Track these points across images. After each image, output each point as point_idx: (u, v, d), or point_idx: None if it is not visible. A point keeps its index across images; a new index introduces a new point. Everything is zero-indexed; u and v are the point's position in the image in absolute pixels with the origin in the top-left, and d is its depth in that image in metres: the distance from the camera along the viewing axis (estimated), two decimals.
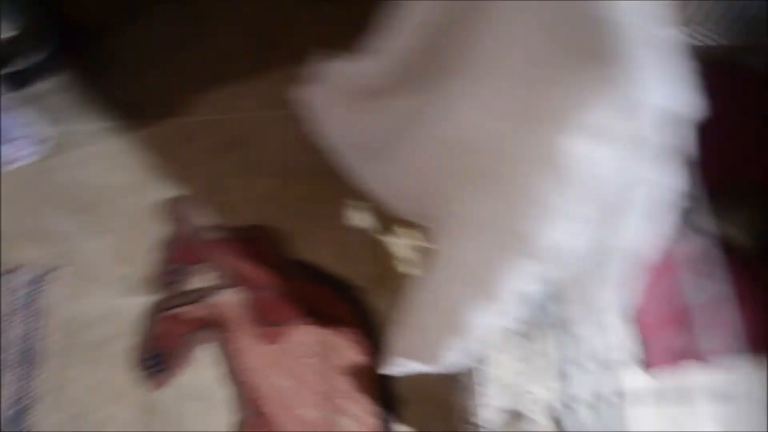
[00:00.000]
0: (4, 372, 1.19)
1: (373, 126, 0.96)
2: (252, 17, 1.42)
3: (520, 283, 0.70)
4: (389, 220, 1.23)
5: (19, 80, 1.28)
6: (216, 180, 1.29)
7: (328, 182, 1.26)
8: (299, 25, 1.40)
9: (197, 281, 1.23)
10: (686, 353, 0.89)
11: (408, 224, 1.21)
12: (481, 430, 0.89)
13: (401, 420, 1.12)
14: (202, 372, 1.18)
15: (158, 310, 1.22)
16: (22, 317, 1.22)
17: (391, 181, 0.98)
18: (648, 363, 0.90)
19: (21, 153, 1.29)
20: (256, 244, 1.25)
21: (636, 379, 0.90)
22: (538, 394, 0.90)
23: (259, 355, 1.19)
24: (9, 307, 1.23)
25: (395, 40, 0.82)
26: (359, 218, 1.25)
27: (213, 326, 1.20)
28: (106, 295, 1.23)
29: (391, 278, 1.21)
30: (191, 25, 1.41)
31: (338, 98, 1.04)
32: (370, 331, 1.20)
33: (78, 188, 1.31)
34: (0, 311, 1.22)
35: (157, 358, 1.19)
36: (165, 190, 1.29)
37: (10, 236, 1.29)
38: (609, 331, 0.91)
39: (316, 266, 1.23)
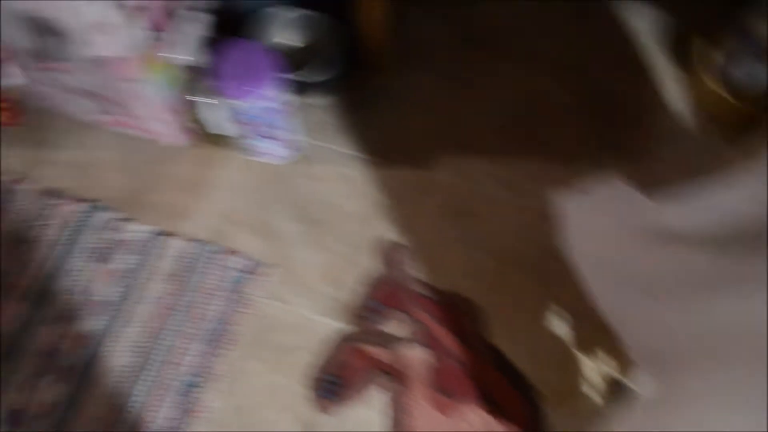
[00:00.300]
0: (193, 342, 1.26)
1: (647, 262, 0.98)
2: (521, 102, 1.48)
3: None
4: (590, 341, 1.24)
5: (298, 89, 1.38)
6: (436, 239, 1.34)
7: (544, 282, 1.29)
8: (576, 131, 1.45)
9: (391, 327, 1.28)
10: None
11: (611, 352, 1.23)
12: None
13: None
14: (368, 414, 1.21)
15: (348, 339, 1.27)
16: (225, 299, 1.29)
17: (644, 321, 0.99)
18: None
19: (275, 151, 1.38)
20: (456, 313, 1.28)
21: None
22: None
23: (427, 420, 1.21)
24: (216, 284, 1.30)
25: (733, 207, 0.85)
26: (562, 328, 1.27)
27: (393, 375, 1.24)
28: (304, 307, 1.29)
29: (573, 396, 1.22)
30: (461, 89, 1.49)
31: (607, 222, 1.08)
32: None
33: (310, 200, 1.38)
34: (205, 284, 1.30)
35: (333, 384, 1.23)
36: (387, 232, 1.35)
37: (236, 220, 1.37)
38: None
39: (505, 356, 1.25)
